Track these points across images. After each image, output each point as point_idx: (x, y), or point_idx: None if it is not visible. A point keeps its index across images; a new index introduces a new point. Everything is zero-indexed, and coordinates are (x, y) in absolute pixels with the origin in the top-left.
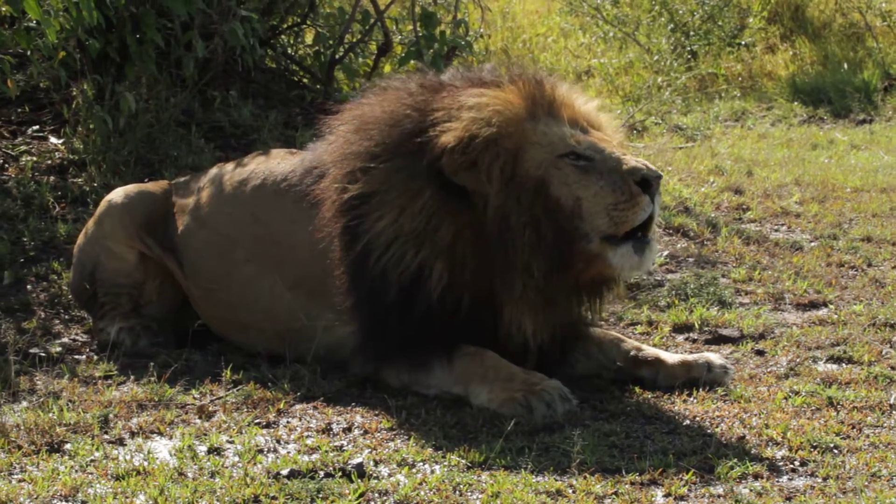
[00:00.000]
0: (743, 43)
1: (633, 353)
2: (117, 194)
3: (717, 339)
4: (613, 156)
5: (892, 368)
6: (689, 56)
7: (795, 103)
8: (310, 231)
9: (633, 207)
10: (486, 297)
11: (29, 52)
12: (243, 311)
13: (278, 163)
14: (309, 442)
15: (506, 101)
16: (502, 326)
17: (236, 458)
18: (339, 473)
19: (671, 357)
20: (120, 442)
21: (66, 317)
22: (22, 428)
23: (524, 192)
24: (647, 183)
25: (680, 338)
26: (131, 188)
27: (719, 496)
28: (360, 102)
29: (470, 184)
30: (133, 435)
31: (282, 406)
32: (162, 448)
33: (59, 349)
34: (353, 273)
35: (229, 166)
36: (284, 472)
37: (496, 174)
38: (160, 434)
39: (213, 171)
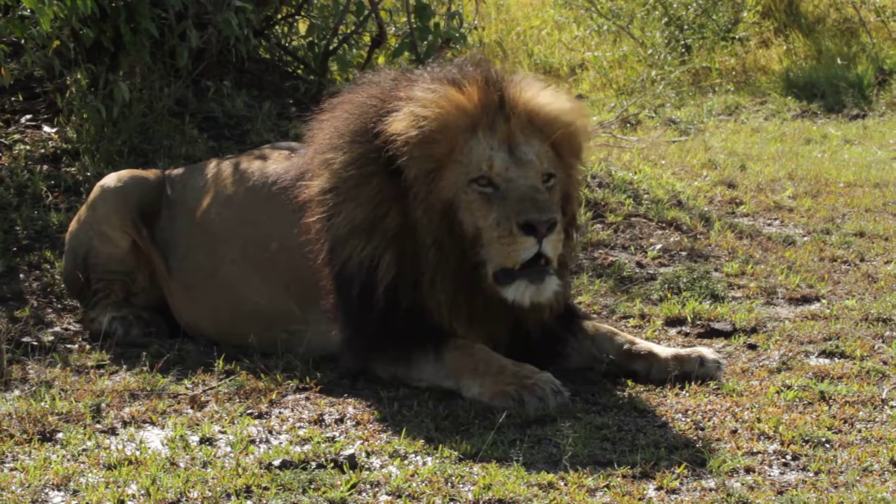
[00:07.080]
0: (737, 37)
1: (626, 346)
2: (111, 179)
3: (710, 333)
4: (520, 189)
5: (885, 363)
6: (683, 50)
7: (789, 98)
8: (297, 235)
9: (513, 245)
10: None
11: (23, 41)
12: (226, 311)
13: (271, 164)
14: (301, 433)
15: (452, 105)
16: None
17: (228, 449)
18: (331, 464)
19: (664, 351)
20: (112, 431)
21: (59, 306)
22: (14, 417)
23: (434, 213)
24: (530, 227)
25: (672, 331)
26: (124, 173)
27: (711, 490)
28: (338, 100)
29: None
30: (125, 424)
31: (274, 396)
32: (154, 438)
33: (51, 338)
34: (328, 271)
35: (226, 164)
36: (276, 462)
37: (420, 184)
38: (152, 424)
39: (211, 168)
